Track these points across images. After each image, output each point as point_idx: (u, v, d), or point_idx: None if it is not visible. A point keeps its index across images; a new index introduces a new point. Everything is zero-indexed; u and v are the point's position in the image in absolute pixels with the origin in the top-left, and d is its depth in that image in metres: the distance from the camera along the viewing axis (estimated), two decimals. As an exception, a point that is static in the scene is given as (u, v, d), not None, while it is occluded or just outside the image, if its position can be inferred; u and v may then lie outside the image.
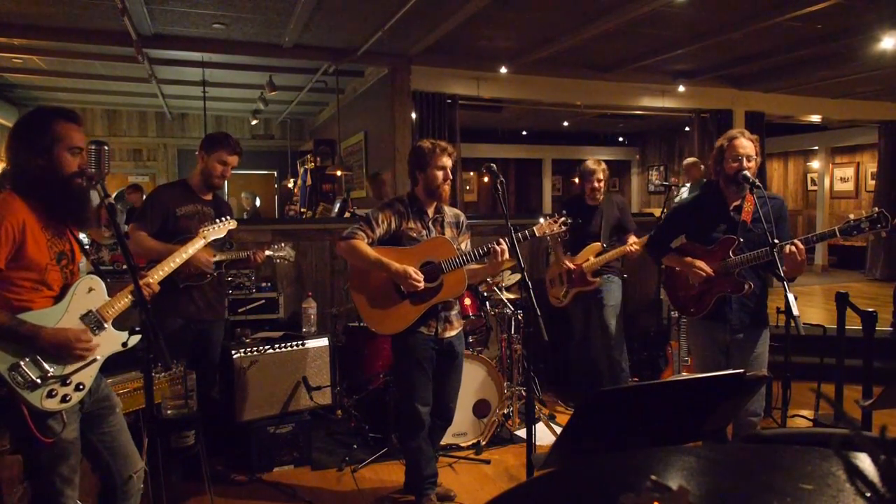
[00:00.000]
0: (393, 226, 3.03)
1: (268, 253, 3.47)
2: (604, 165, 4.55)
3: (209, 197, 3.44)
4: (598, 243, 4.44)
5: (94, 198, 2.30)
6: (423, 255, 2.99)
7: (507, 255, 2.95)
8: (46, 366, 1.99)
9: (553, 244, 4.68)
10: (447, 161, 3.03)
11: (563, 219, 3.11)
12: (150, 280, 2.30)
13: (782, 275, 2.69)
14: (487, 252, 2.95)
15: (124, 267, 3.66)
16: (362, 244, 2.96)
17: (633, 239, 4.39)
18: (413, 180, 3.13)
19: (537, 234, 3.07)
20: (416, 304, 3.00)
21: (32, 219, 2.02)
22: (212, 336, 3.50)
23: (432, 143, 3.08)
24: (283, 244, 3.56)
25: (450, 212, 3.20)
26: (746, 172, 2.89)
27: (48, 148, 2.03)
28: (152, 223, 3.24)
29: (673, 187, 6.86)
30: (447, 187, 3.07)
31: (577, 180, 6.27)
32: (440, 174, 3.02)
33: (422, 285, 2.92)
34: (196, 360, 3.36)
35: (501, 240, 2.94)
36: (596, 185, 4.49)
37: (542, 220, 3.12)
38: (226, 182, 3.51)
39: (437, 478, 3.24)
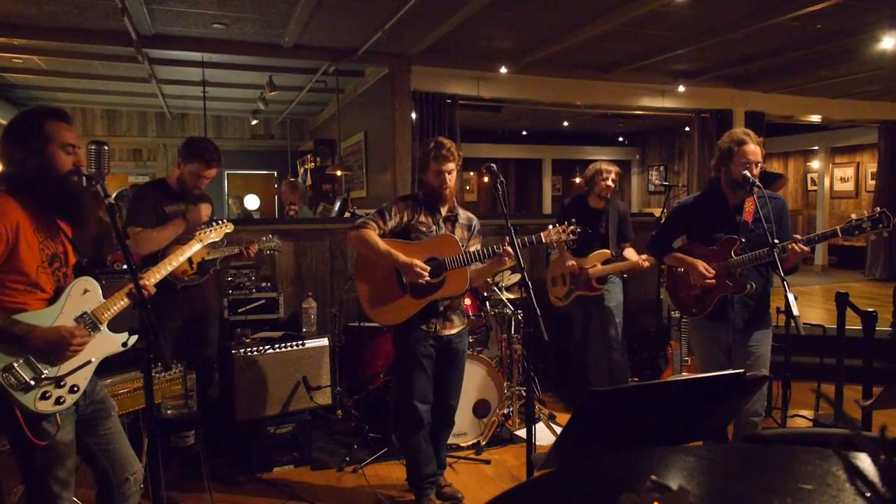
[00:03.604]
0: (405, 219, 3.06)
1: (258, 246, 3.52)
2: (616, 167, 4.48)
3: None
4: (607, 250, 4.38)
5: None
6: (428, 251, 3.01)
7: (513, 259, 2.94)
8: (40, 367, 1.97)
9: (558, 245, 4.64)
10: (445, 166, 3.00)
11: (571, 227, 3.04)
12: (147, 282, 2.27)
13: (783, 275, 2.70)
14: (493, 254, 2.94)
15: (123, 267, 3.66)
16: (373, 234, 2.99)
17: (644, 256, 4.29)
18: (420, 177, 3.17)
19: (544, 241, 3.02)
20: (417, 298, 3.01)
21: (26, 220, 2.02)
22: (208, 333, 3.51)
23: (436, 145, 3.02)
24: (270, 235, 3.63)
25: (463, 214, 3.21)
26: (746, 173, 2.89)
27: (41, 147, 2.03)
28: (147, 220, 3.20)
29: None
30: (447, 191, 3.05)
31: (578, 180, 6.24)
32: (436, 179, 3.02)
33: (426, 276, 2.93)
34: (193, 358, 3.37)
35: (509, 247, 2.88)
36: (609, 184, 4.38)
37: (550, 227, 3.06)
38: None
39: (437, 477, 3.24)
